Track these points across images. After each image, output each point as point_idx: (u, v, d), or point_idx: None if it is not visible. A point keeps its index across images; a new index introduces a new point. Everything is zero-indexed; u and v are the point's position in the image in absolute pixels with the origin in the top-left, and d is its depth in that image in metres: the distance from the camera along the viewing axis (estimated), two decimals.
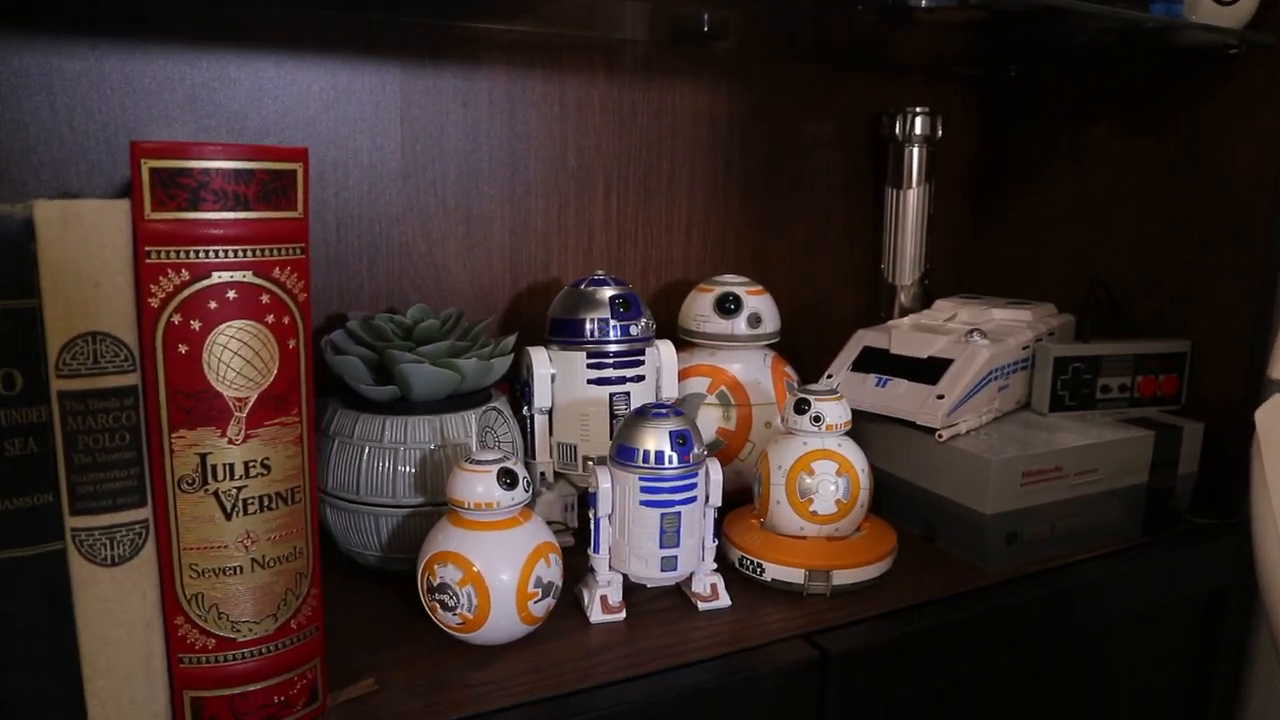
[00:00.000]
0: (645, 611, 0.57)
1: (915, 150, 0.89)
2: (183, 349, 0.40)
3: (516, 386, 0.68)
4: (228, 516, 0.41)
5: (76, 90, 0.64)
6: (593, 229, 0.84)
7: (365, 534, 0.59)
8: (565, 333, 0.66)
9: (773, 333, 0.75)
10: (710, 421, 0.72)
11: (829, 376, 0.74)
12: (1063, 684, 0.67)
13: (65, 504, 0.39)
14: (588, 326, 0.65)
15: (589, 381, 0.66)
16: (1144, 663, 0.72)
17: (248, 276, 0.41)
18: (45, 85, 0.63)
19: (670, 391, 0.69)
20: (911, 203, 0.90)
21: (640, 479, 0.54)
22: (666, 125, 0.85)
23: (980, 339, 0.72)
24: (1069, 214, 0.92)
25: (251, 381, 0.41)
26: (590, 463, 0.66)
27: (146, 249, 0.39)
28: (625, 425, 0.55)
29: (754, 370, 0.74)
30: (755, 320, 0.73)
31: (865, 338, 0.77)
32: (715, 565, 0.59)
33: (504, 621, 0.50)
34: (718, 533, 0.59)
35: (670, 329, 0.75)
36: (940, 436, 0.67)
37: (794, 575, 0.59)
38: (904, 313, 0.90)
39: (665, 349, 0.69)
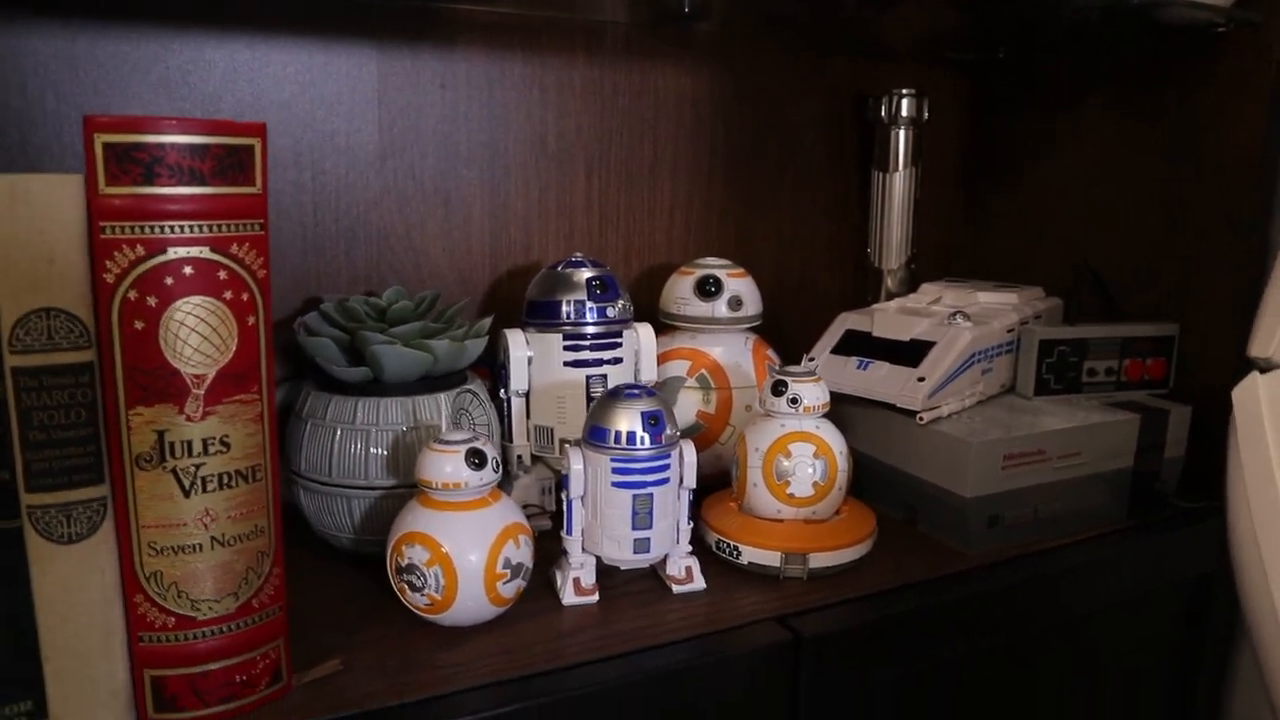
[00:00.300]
0: (619, 594, 0.57)
1: (901, 133, 0.88)
2: (139, 325, 0.39)
3: (494, 369, 0.68)
4: (186, 494, 0.41)
5: (48, 73, 0.64)
6: (574, 212, 0.83)
7: (338, 516, 0.59)
8: (542, 315, 0.65)
9: (754, 315, 0.74)
10: (690, 405, 0.72)
11: (810, 359, 0.74)
12: (1047, 669, 0.66)
13: (21, 481, 0.39)
14: (564, 309, 0.65)
15: (565, 364, 0.65)
16: (1129, 647, 0.71)
17: (204, 252, 0.40)
18: (16, 68, 0.63)
19: (649, 374, 0.69)
20: (898, 186, 0.90)
21: (612, 460, 0.54)
22: (649, 107, 0.85)
23: (963, 321, 0.71)
24: (1061, 201, 0.91)
25: (209, 358, 0.41)
26: (566, 445, 0.66)
27: (101, 224, 0.39)
28: (598, 406, 0.55)
29: (735, 353, 0.73)
30: (736, 303, 0.73)
31: (848, 320, 0.76)
32: (691, 548, 0.58)
33: (472, 603, 0.50)
34: (693, 515, 0.58)
35: (653, 313, 0.75)
36: (921, 419, 0.66)
37: (770, 558, 0.59)
38: (890, 297, 0.89)
39: (644, 332, 0.68)
